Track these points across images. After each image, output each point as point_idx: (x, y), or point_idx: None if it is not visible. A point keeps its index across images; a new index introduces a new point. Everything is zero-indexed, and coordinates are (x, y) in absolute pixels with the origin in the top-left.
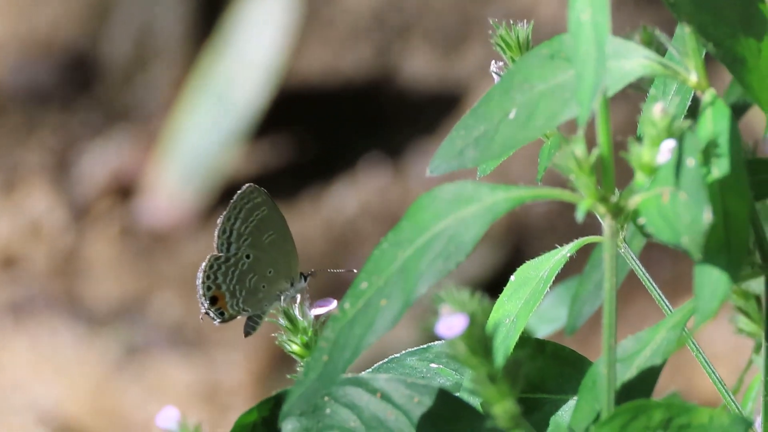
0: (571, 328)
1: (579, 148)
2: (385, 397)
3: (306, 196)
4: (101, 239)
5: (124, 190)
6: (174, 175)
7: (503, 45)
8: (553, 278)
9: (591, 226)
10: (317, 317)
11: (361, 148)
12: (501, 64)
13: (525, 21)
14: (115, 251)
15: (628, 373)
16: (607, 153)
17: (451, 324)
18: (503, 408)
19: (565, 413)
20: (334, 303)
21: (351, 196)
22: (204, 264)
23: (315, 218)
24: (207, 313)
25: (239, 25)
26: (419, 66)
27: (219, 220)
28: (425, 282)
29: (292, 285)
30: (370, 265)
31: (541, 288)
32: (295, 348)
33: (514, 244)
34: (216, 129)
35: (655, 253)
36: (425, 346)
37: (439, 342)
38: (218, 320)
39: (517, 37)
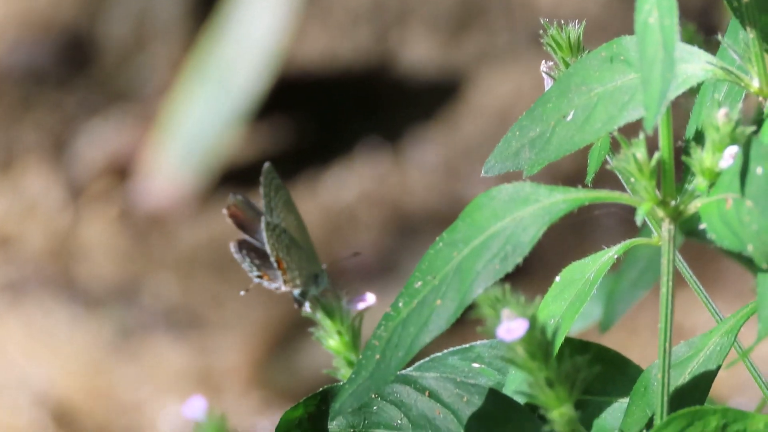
0: (605, 326)
1: (640, 152)
2: (434, 396)
3: (304, 180)
4: (98, 220)
5: (121, 171)
6: (172, 157)
7: (554, 45)
8: (600, 280)
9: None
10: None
11: (360, 134)
12: (551, 64)
13: (572, 22)
14: (111, 232)
15: (680, 378)
16: (668, 157)
17: (512, 328)
18: (560, 413)
19: (608, 416)
20: (372, 298)
21: (349, 182)
22: (262, 225)
23: (312, 203)
24: (260, 278)
25: (239, 7)
26: (418, 53)
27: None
28: (481, 283)
29: (317, 278)
30: (424, 264)
31: (587, 290)
32: (332, 344)
33: None
34: (215, 112)
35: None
36: (467, 345)
37: (481, 342)
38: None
39: (568, 37)
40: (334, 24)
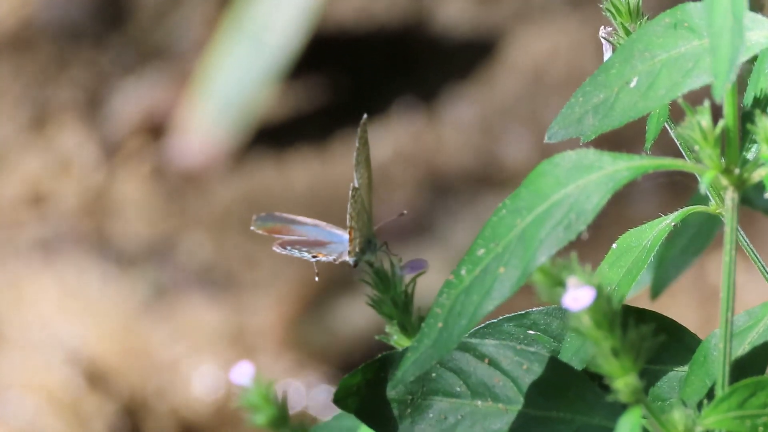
0: (655, 292)
1: (705, 119)
2: (493, 363)
3: (338, 139)
4: (132, 178)
5: (155, 129)
6: (206, 115)
7: (613, 11)
8: (657, 247)
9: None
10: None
11: (395, 93)
12: (610, 29)
13: None
14: (145, 191)
15: (740, 349)
16: (733, 125)
17: (579, 296)
18: (626, 382)
19: (664, 384)
20: (426, 264)
21: (384, 141)
22: (350, 192)
23: (347, 162)
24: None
25: None
26: (453, 11)
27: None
28: (545, 251)
29: (370, 242)
30: (487, 232)
31: (644, 257)
32: (386, 310)
33: None
34: (250, 70)
35: None
36: (523, 312)
37: (537, 309)
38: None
39: (628, 3)
40: None
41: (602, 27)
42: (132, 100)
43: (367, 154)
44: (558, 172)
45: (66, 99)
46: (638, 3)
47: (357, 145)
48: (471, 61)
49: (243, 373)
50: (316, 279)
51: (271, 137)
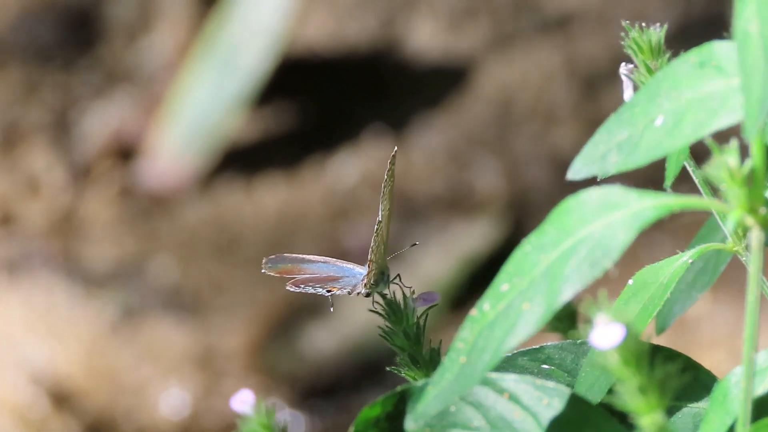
0: (660, 328)
1: (733, 158)
2: (513, 398)
3: (308, 164)
4: (100, 200)
5: (125, 152)
6: (176, 138)
7: (635, 48)
8: (674, 284)
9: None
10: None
11: (364, 119)
12: (631, 66)
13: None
14: (114, 212)
15: (760, 387)
16: (760, 164)
17: (608, 334)
18: (652, 420)
19: (678, 420)
20: (438, 297)
21: (353, 166)
22: (375, 227)
23: (316, 187)
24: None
25: None
26: (424, 38)
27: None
28: (570, 287)
29: (383, 273)
30: (511, 267)
31: (661, 293)
32: (398, 341)
33: (515, 218)
34: (220, 94)
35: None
36: (537, 346)
37: (551, 343)
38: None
39: (650, 40)
40: (340, 6)
41: (623, 64)
42: (101, 122)
43: (391, 187)
44: (583, 209)
45: (35, 121)
46: (660, 40)
47: (385, 177)
48: (441, 87)
49: (243, 401)
50: (331, 310)
51: (240, 161)
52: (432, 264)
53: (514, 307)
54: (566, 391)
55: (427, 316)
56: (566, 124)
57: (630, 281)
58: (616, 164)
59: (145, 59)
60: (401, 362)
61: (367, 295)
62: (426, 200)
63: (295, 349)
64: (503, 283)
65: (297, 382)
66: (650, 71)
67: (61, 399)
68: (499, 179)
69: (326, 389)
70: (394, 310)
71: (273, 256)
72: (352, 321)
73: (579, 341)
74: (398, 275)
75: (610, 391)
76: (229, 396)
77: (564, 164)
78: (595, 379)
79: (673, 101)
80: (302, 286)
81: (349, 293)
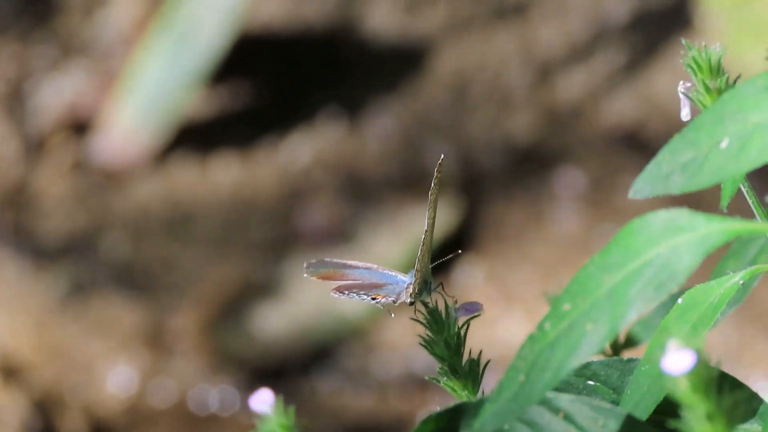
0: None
1: None
2: (568, 418)
3: (261, 143)
4: (53, 173)
5: (79, 126)
6: (130, 113)
7: (695, 66)
8: (724, 305)
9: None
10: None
11: (319, 99)
12: (689, 85)
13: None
14: (66, 187)
15: None
16: None
17: (679, 360)
18: None
19: None
20: (481, 307)
21: (306, 147)
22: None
23: (269, 166)
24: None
25: None
26: (381, 20)
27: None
28: (634, 309)
29: (426, 282)
30: (573, 287)
31: (711, 314)
32: (438, 351)
33: (468, 203)
34: (176, 70)
35: None
36: (584, 363)
37: (597, 360)
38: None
39: (709, 59)
40: None
41: (681, 82)
42: (56, 95)
43: (437, 194)
44: (650, 231)
45: None
46: (719, 60)
47: (431, 185)
48: (397, 70)
49: (263, 400)
50: (392, 315)
51: (195, 139)
52: (384, 246)
53: (577, 328)
54: (622, 413)
55: (468, 326)
56: (521, 110)
57: (680, 300)
58: (679, 185)
59: (101, 33)
60: (440, 372)
61: (411, 303)
62: (379, 183)
63: (245, 329)
64: (565, 303)
65: (246, 363)
66: (709, 91)
67: (9, 374)
68: (453, 163)
69: (275, 371)
70: (435, 319)
71: (314, 261)
72: (303, 304)
73: (626, 359)
74: (441, 284)
75: (657, 411)
76: (177, 374)
77: (518, 149)
78: (641, 398)
79: (739, 124)
80: (346, 292)
81: (394, 302)
